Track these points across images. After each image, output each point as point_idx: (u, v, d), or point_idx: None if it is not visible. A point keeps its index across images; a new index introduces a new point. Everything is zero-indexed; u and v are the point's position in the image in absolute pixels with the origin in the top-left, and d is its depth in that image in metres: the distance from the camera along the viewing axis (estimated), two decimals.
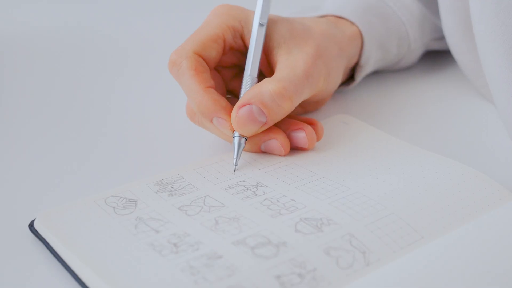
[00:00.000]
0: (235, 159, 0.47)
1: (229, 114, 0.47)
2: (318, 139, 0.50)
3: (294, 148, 0.49)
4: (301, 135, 0.48)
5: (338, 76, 0.54)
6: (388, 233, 0.39)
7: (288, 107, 0.47)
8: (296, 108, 0.55)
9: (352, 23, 0.58)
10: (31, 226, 0.41)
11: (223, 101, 0.48)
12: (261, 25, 0.50)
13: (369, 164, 0.47)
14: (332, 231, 0.39)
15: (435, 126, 0.55)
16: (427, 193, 0.43)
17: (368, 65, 0.59)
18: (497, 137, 0.53)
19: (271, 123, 0.47)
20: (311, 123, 0.50)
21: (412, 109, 0.58)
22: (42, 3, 0.86)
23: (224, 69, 0.53)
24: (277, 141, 0.48)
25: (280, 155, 0.48)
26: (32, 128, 0.56)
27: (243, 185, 0.45)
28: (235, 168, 0.47)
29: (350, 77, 0.61)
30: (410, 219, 0.41)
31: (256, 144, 0.48)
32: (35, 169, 0.50)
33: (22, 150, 0.52)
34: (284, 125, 0.49)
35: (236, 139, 0.47)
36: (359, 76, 0.59)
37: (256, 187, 0.45)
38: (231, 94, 0.54)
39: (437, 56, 0.68)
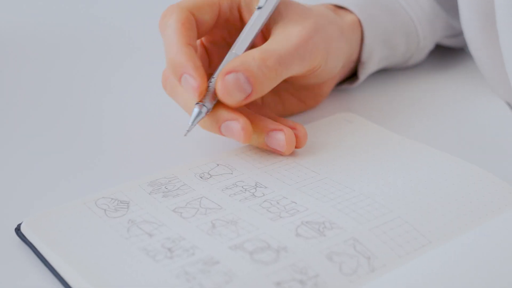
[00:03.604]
0: (189, 125, 0.44)
1: (200, 75, 0.44)
2: (299, 146, 0.47)
3: (271, 151, 0.47)
4: (280, 137, 0.46)
5: (338, 58, 0.52)
6: (394, 237, 0.39)
7: (273, 78, 0.45)
8: (294, 101, 0.54)
9: (351, 12, 0.56)
10: (17, 230, 0.41)
11: (197, 61, 0.45)
12: (258, 8, 0.48)
13: (374, 165, 0.46)
14: (335, 236, 0.39)
15: (443, 124, 0.54)
16: (435, 195, 0.42)
17: (372, 62, 0.57)
18: (509, 137, 0.52)
19: (254, 96, 0.45)
20: (293, 128, 0.47)
21: (419, 107, 0.57)
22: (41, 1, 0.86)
23: (213, 46, 0.51)
24: (239, 124, 0.45)
25: (239, 141, 0.46)
26: (19, 129, 0.55)
27: (241, 186, 0.44)
28: (186, 133, 0.45)
29: (353, 75, 0.59)
30: (417, 223, 0.40)
31: (217, 123, 0.46)
32: (23, 171, 0.49)
33: (9, 151, 0.52)
34: (264, 123, 0.47)
35: (197, 106, 0.44)
36: (362, 74, 0.58)
37: (255, 188, 0.44)
38: None
39: (446, 53, 0.67)
